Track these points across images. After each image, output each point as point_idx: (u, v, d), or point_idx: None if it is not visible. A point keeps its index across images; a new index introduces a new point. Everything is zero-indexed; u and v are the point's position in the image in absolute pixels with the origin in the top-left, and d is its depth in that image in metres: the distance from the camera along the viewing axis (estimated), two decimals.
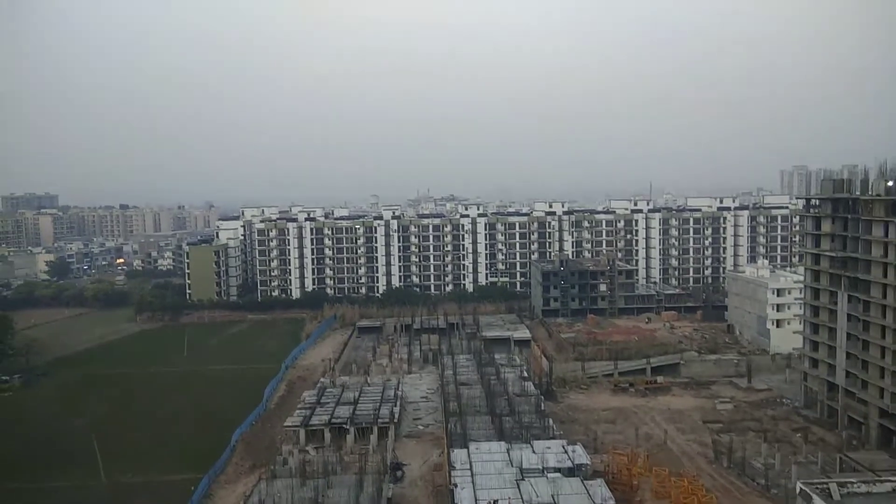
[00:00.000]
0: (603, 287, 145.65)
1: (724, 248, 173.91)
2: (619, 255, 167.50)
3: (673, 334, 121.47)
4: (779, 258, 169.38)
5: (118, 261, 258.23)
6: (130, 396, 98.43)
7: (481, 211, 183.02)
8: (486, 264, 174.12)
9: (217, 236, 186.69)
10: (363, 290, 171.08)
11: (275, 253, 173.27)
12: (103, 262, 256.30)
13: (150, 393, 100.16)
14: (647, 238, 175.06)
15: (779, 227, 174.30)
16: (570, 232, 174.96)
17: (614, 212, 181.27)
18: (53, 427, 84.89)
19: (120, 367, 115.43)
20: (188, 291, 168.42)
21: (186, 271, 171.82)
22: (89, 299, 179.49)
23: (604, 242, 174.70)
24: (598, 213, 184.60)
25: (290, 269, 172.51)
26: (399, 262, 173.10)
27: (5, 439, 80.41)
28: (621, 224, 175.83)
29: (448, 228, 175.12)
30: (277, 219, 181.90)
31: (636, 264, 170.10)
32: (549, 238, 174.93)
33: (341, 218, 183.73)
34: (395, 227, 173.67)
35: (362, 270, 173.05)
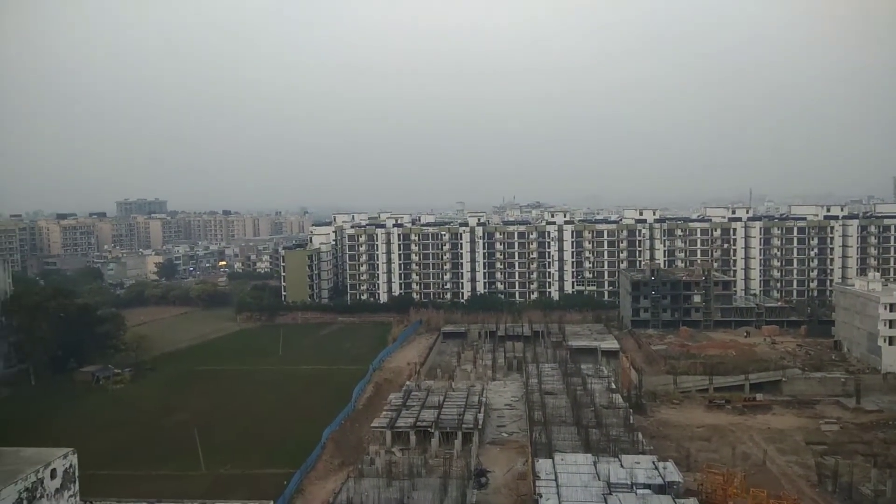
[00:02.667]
0: (697, 298, 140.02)
1: (832, 260, 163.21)
2: (716, 265, 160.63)
3: (774, 350, 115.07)
4: (892, 271, 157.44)
5: (220, 263, 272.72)
6: (229, 392, 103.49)
7: (568, 218, 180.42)
8: (573, 272, 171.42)
9: (311, 241, 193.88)
10: (448, 296, 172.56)
11: (364, 258, 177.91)
12: (207, 265, 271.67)
13: (247, 389, 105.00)
14: (747, 248, 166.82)
15: (892, 238, 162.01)
16: (662, 240, 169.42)
17: (710, 220, 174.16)
18: (159, 418, 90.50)
19: (220, 364, 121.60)
20: (283, 293, 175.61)
21: (282, 274, 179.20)
22: (194, 299, 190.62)
23: (698, 252, 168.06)
24: (693, 221, 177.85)
25: (377, 274, 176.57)
26: (484, 268, 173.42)
27: (117, 429, 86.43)
28: (718, 233, 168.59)
29: (534, 235, 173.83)
30: (367, 225, 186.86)
31: (734, 275, 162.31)
32: (640, 247, 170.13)
33: (428, 224, 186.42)
34: (481, 234, 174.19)
35: (447, 276, 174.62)
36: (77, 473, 24.57)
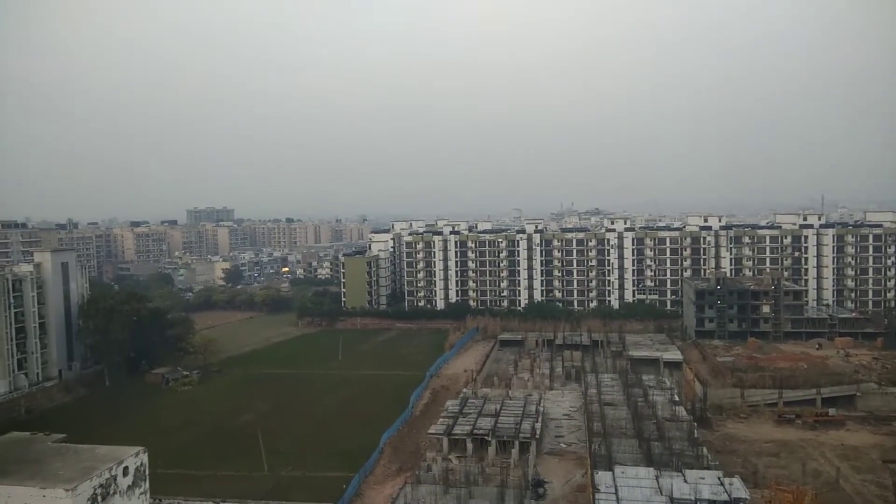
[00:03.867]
0: (766, 308, 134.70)
1: None
2: (786, 273, 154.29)
3: (848, 363, 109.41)
4: None
5: (283, 269, 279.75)
6: (290, 395, 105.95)
7: (628, 225, 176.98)
8: (634, 281, 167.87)
9: (369, 248, 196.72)
10: (505, 304, 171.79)
11: (421, 265, 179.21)
12: (271, 271, 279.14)
13: (308, 392, 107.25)
14: (819, 256, 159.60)
15: None
16: (728, 248, 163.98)
17: (780, 227, 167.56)
18: (224, 420, 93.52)
19: (282, 368, 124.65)
20: (343, 299, 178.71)
21: (342, 280, 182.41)
22: (258, 304, 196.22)
23: (767, 260, 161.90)
24: (761, 227, 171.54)
25: (435, 281, 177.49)
26: (541, 276, 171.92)
27: (185, 429, 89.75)
28: (788, 240, 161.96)
29: (592, 243, 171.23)
30: (424, 232, 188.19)
31: (805, 284, 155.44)
32: (704, 254, 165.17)
33: (484, 231, 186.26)
34: (538, 241, 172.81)
35: (504, 283, 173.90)
36: (147, 472, 25.57)
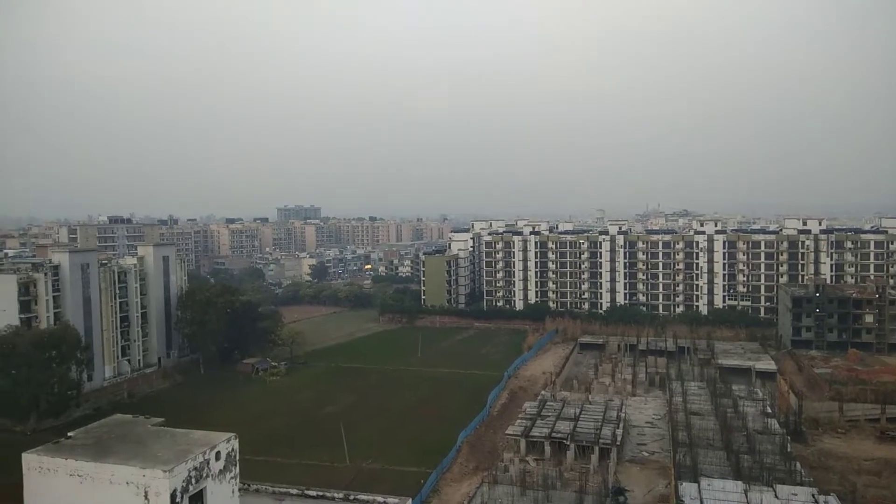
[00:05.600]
0: (869, 318, 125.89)
1: None
2: (891, 281, 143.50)
3: None
4: None
5: (366, 266, 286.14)
6: (371, 389, 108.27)
7: (719, 227, 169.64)
8: (724, 286, 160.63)
9: (449, 247, 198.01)
10: (585, 306, 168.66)
11: (500, 265, 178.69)
12: (354, 268, 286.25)
13: (388, 387, 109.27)
14: None
15: None
16: (829, 253, 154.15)
17: (885, 231, 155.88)
18: (309, 411, 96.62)
19: (364, 362, 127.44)
20: (423, 297, 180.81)
21: (422, 278, 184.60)
22: (342, 300, 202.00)
23: (871, 267, 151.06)
24: (865, 232, 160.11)
25: (514, 281, 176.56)
26: (624, 278, 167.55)
27: (272, 418, 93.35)
28: (895, 245, 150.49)
29: (680, 245, 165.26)
30: (504, 232, 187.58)
31: None
32: (803, 260, 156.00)
33: (565, 232, 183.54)
34: (622, 243, 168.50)
35: (585, 286, 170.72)
36: (238, 457, 26.81)
